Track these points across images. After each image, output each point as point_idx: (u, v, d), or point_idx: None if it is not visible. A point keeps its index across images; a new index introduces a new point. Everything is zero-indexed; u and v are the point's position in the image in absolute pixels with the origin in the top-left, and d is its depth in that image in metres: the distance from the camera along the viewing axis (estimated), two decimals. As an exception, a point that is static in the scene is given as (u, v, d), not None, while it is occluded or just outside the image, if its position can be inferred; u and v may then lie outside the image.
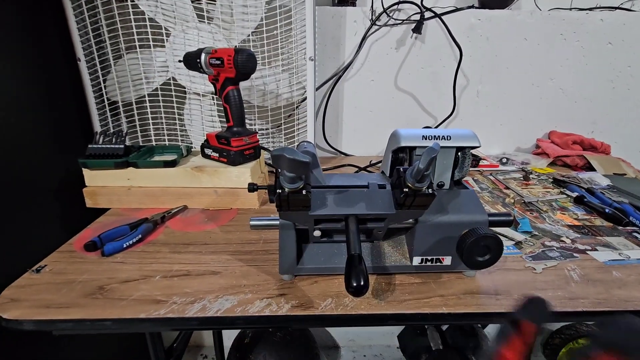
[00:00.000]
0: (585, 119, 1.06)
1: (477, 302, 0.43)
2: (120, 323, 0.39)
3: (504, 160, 0.98)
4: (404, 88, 1.03)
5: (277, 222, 0.44)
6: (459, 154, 0.47)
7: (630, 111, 1.05)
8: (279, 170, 0.37)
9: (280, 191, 0.37)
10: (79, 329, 0.40)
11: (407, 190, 0.38)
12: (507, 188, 0.81)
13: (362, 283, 0.34)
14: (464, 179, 0.50)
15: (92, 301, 0.42)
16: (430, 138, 0.46)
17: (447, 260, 0.46)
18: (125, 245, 0.53)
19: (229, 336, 1.13)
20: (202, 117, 0.87)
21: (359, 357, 1.35)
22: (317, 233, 0.44)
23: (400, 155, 0.48)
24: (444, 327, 1.28)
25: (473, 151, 1.01)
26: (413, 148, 0.47)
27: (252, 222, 0.45)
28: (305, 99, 0.87)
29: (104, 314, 0.40)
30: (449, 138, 0.46)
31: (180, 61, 0.72)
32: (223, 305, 0.41)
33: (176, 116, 0.87)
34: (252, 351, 1.02)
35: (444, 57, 0.99)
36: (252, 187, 0.42)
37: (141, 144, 0.87)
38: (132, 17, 0.77)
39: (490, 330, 1.40)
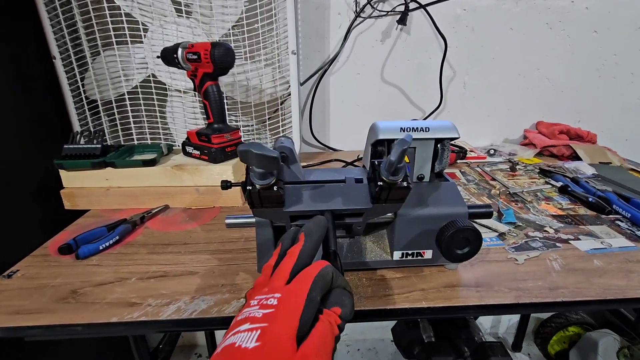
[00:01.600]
0: (572, 109, 1.06)
1: (457, 295, 0.42)
2: (91, 328, 0.38)
3: (492, 151, 0.98)
4: (391, 81, 1.02)
5: (254, 220, 0.43)
6: (439, 145, 0.47)
7: (616, 100, 1.05)
8: (249, 167, 0.36)
9: (250, 188, 0.36)
10: (50, 335, 0.38)
11: (381, 183, 0.37)
12: (494, 179, 0.80)
13: None
14: (445, 170, 0.49)
15: (64, 306, 0.41)
16: (408, 130, 0.45)
17: (428, 254, 0.46)
18: (101, 248, 0.51)
19: (222, 334, 1.13)
20: (185, 115, 0.85)
21: (353, 352, 1.35)
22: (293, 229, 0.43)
23: (379, 148, 0.48)
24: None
25: (461, 143, 1.01)
26: (392, 140, 0.46)
27: (227, 221, 0.44)
28: (289, 94, 0.85)
29: (75, 319, 0.39)
30: (427, 130, 0.45)
31: (158, 57, 0.71)
32: (199, 307, 0.41)
33: (157, 114, 0.85)
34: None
35: (430, 49, 0.98)
36: (226, 185, 0.41)
37: (123, 143, 0.85)
38: (107, 12, 0.75)
39: (483, 321, 1.41)
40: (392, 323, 1.29)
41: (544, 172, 0.82)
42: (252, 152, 0.32)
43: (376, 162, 0.39)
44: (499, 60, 1.00)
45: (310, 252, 0.31)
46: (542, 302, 0.41)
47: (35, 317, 0.39)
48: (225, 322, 0.39)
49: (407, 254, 0.46)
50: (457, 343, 1.17)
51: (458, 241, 0.41)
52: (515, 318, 1.35)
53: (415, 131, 0.45)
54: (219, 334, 1.16)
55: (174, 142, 0.86)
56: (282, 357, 0.22)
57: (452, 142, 0.92)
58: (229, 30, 0.80)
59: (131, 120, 0.84)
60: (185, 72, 0.70)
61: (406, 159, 0.46)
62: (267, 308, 0.25)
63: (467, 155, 0.93)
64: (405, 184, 0.38)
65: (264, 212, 0.40)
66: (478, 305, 0.41)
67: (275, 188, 0.36)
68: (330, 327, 0.27)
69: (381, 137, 0.45)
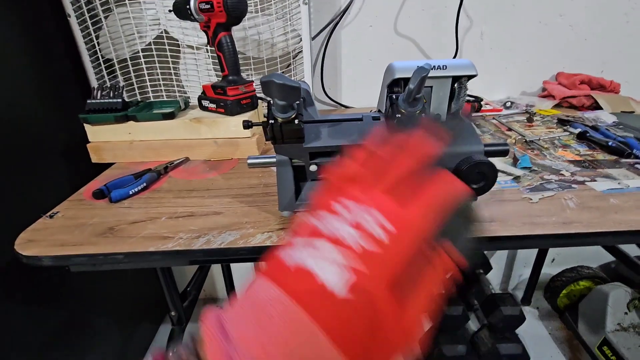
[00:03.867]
0: (595, 58, 1.02)
1: (472, 229, 0.44)
2: (132, 256, 0.42)
3: (508, 104, 0.96)
4: (404, 33, 0.99)
5: (275, 160, 0.45)
6: (455, 84, 0.46)
7: (644, 47, 1.00)
8: (270, 101, 0.37)
9: (272, 122, 0.37)
10: (93, 264, 0.42)
11: (399, 115, 0.38)
12: (510, 130, 0.80)
13: None
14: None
15: (104, 239, 0.44)
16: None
17: (443, 192, 0.47)
18: (131, 192, 0.55)
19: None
20: (198, 71, 0.86)
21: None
22: (313, 168, 0.45)
23: (396, 89, 0.48)
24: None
25: (477, 94, 0.99)
26: (408, 80, 0.46)
27: (249, 161, 0.46)
28: (301, 51, 0.84)
29: (115, 249, 0.42)
30: (444, 67, 0.45)
31: (170, 11, 0.70)
32: (226, 239, 0.43)
33: (172, 71, 0.86)
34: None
35: (447, -3, 0.94)
36: (247, 124, 0.42)
37: (139, 100, 0.87)
38: (117, -34, 0.74)
39: (492, 276, 1.45)
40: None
41: (562, 122, 0.80)
42: (275, 82, 0.32)
43: (394, 96, 0.39)
44: (519, 7, 0.95)
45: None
46: (556, 234, 0.43)
47: (79, 248, 0.43)
48: (251, 252, 0.42)
49: (423, 192, 0.47)
50: (467, 296, 1.22)
51: (474, 175, 0.42)
52: (525, 274, 1.38)
53: (432, 69, 0.45)
54: (238, 283, 1.23)
55: (189, 97, 0.88)
56: (378, 327, 0.17)
57: (468, 93, 0.91)
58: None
59: (146, 77, 0.85)
60: (198, 26, 0.70)
61: (423, 98, 0.47)
62: (369, 239, 0.17)
63: (482, 108, 0.92)
64: (423, 115, 0.38)
65: (284, 149, 0.42)
66: (491, 237, 0.43)
67: (296, 121, 0.37)
68: (440, 281, 0.19)
69: (398, 76, 0.45)
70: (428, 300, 0.18)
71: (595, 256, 1.33)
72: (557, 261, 1.37)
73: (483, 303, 1.14)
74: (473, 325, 1.24)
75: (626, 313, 1.03)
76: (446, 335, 1.07)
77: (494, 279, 1.44)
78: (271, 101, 0.37)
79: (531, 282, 1.33)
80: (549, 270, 1.34)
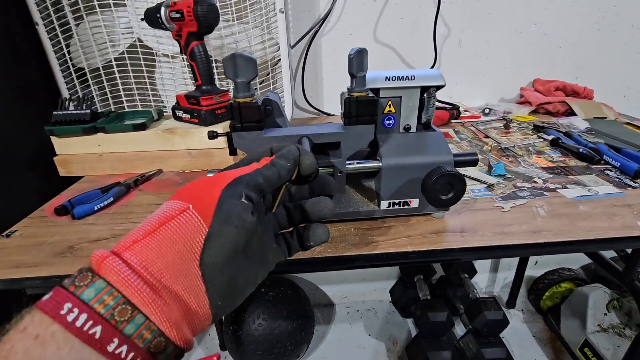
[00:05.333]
0: (570, 65, 1.04)
1: (443, 240, 0.44)
2: (90, 277, 0.40)
3: (487, 110, 0.97)
4: (384, 41, 0.99)
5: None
6: (425, 95, 0.46)
7: (615, 54, 1.02)
8: (231, 78, 0.38)
9: (232, 102, 0.38)
10: (48, 286, 0.40)
11: (348, 96, 0.41)
12: (487, 137, 0.80)
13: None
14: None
15: (61, 260, 0.42)
16: (394, 79, 0.45)
17: (415, 203, 0.47)
18: (96, 208, 0.53)
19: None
20: (175, 80, 0.84)
21: (353, 312, 1.41)
22: None
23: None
24: (434, 280, 1.33)
25: (456, 101, 1.00)
26: (377, 90, 0.46)
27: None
28: (279, 60, 0.83)
29: (72, 270, 0.40)
30: (412, 78, 0.45)
31: (142, 19, 0.69)
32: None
33: (147, 80, 0.84)
34: (247, 310, 1.06)
35: (424, 5, 0.95)
36: (212, 135, 0.42)
37: (112, 110, 0.84)
38: (86, -27, 0.72)
39: (478, 280, 1.45)
40: (390, 285, 1.34)
41: (537, 128, 0.81)
42: (235, 55, 0.36)
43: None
44: (496, 16, 0.97)
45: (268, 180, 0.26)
46: (524, 244, 0.43)
47: (34, 269, 0.41)
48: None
49: (394, 203, 0.47)
50: (453, 301, 1.22)
51: (442, 186, 0.42)
52: (510, 277, 1.39)
53: (400, 80, 0.45)
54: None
55: (165, 107, 0.86)
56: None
57: (446, 101, 0.91)
58: (214, -11, 0.77)
59: (120, 87, 0.83)
60: (170, 34, 0.69)
61: (392, 109, 0.46)
62: None
63: (461, 115, 0.93)
64: (371, 95, 0.41)
65: (243, 140, 0.41)
66: (462, 248, 0.42)
67: (254, 101, 0.38)
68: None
69: (367, 86, 0.45)
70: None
71: (577, 258, 1.35)
72: (540, 263, 1.38)
73: (467, 308, 1.14)
74: (460, 330, 1.24)
75: (605, 314, 1.04)
76: (431, 341, 1.06)
77: (480, 282, 1.45)
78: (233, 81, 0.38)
79: (515, 284, 1.34)
80: (533, 272, 1.35)
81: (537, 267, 1.39)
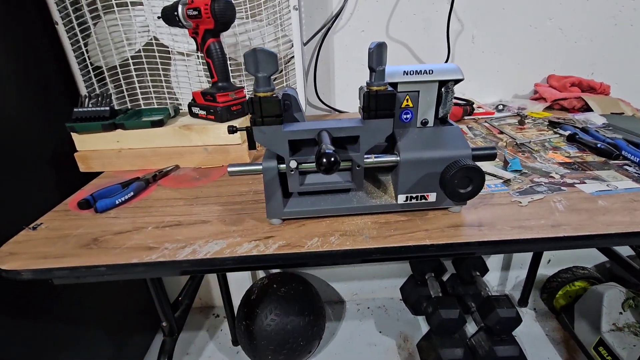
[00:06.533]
0: (585, 61, 1.02)
1: (460, 234, 0.44)
2: (114, 269, 0.41)
3: (500, 107, 0.96)
4: (396, 37, 0.99)
5: (256, 167, 0.44)
6: (442, 89, 0.46)
7: (633, 49, 1.00)
8: (252, 73, 0.39)
9: (252, 97, 0.39)
10: (75, 276, 0.41)
11: (367, 91, 0.41)
12: (502, 133, 0.80)
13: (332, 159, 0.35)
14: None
15: (87, 251, 0.44)
16: (412, 73, 0.45)
17: (432, 197, 0.47)
18: (117, 202, 0.54)
19: (239, 293, 1.18)
20: (189, 78, 0.85)
21: (363, 309, 1.41)
22: (292, 164, 0.44)
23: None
24: (445, 278, 1.32)
25: (469, 97, 0.99)
26: (395, 84, 0.46)
27: (230, 169, 0.45)
28: (292, 58, 0.84)
29: (98, 261, 0.41)
30: (430, 72, 0.45)
31: (159, 17, 0.70)
32: (212, 249, 0.43)
33: (162, 78, 0.85)
34: (259, 306, 1.07)
35: (437, 1, 0.94)
36: (232, 129, 0.42)
37: (129, 107, 0.86)
38: (104, -27, 0.74)
39: (490, 278, 1.44)
40: (400, 282, 1.33)
41: (552, 124, 0.81)
42: (256, 49, 0.36)
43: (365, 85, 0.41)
44: (510, 11, 0.96)
45: None
46: (543, 238, 0.42)
47: (61, 260, 0.42)
48: (237, 262, 0.42)
49: (412, 197, 0.47)
50: (464, 298, 1.21)
51: (461, 180, 0.42)
52: (522, 275, 1.38)
53: (419, 74, 0.45)
54: (234, 293, 1.22)
55: (180, 104, 0.87)
56: None
57: (459, 97, 0.91)
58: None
59: (137, 85, 0.85)
60: (187, 32, 0.70)
61: (410, 103, 0.47)
62: None
63: (474, 112, 0.92)
64: (390, 89, 0.41)
65: (264, 134, 0.42)
66: (480, 241, 0.42)
67: (274, 95, 0.39)
68: None
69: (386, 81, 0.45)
70: None
71: (591, 256, 1.33)
72: (553, 262, 1.37)
73: (480, 306, 1.14)
74: (471, 328, 1.24)
75: (621, 313, 1.03)
76: (443, 338, 1.06)
77: (491, 280, 1.44)
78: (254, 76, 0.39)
79: (527, 283, 1.33)
80: (545, 271, 1.34)
81: (549, 265, 1.37)
